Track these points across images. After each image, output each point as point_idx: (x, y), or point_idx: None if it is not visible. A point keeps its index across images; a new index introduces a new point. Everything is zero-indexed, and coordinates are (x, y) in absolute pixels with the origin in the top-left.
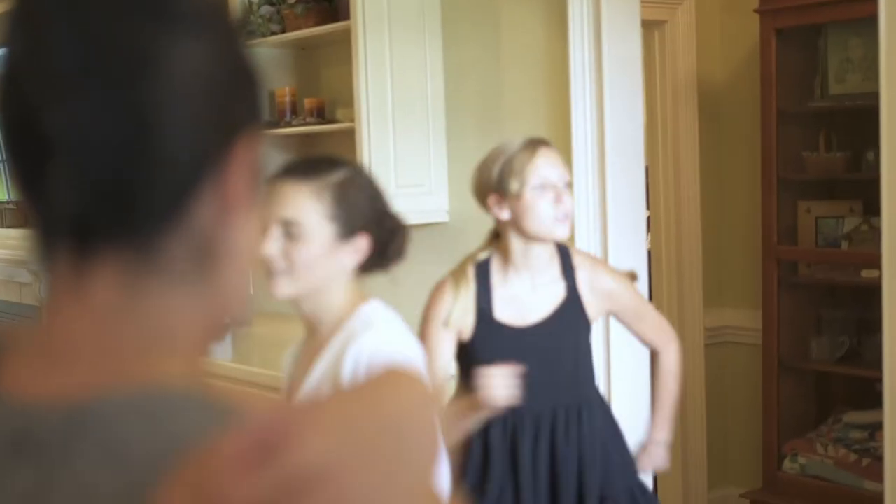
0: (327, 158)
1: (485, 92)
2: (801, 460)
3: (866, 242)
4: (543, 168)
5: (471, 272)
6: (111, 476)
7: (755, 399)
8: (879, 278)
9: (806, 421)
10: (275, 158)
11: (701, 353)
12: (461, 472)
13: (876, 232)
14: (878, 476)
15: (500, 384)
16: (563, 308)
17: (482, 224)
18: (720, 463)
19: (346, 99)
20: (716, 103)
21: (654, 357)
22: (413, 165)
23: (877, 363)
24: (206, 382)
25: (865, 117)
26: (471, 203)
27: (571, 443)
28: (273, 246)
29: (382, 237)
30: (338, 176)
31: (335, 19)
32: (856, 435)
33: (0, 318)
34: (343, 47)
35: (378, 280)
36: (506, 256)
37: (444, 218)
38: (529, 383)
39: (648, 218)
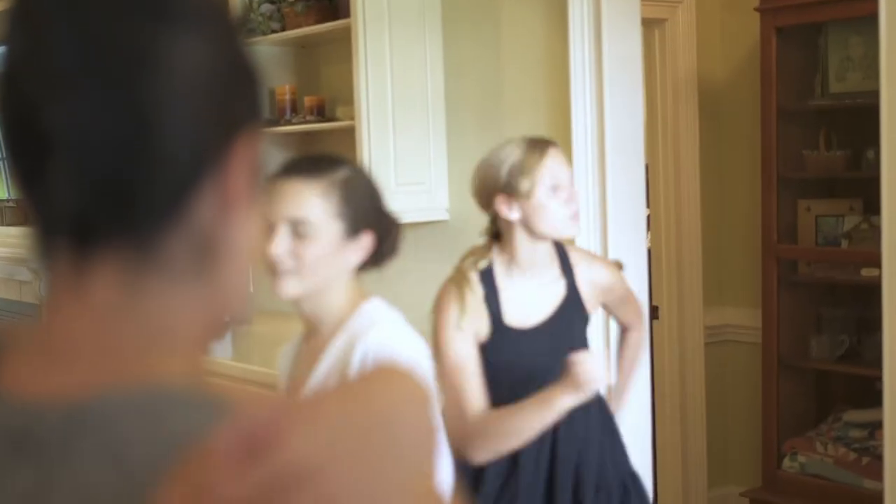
0: (327, 156)
1: (485, 90)
2: (801, 459)
3: (866, 241)
4: (555, 168)
5: (475, 278)
6: (111, 475)
7: (755, 398)
8: (879, 277)
9: (806, 419)
10: (275, 157)
11: (701, 351)
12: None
13: (876, 230)
14: (877, 475)
15: (593, 367)
16: (565, 305)
17: (482, 222)
18: (720, 461)
19: (347, 97)
20: (716, 102)
21: (624, 332)
22: (413, 164)
23: (877, 362)
24: (206, 381)
25: (865, 116)
26: (471, 201)
27: (572, 439)
28: (281, 245)
29: (383, 234)
30: (342, 174)
31: (335, 17)
32: (855, 434)
33: (0, 317)
34: (343, 45)
35: (378, 279)
36: (511, 257)
37: (444, 216)
38: (539, 382)
39: (648, 216)
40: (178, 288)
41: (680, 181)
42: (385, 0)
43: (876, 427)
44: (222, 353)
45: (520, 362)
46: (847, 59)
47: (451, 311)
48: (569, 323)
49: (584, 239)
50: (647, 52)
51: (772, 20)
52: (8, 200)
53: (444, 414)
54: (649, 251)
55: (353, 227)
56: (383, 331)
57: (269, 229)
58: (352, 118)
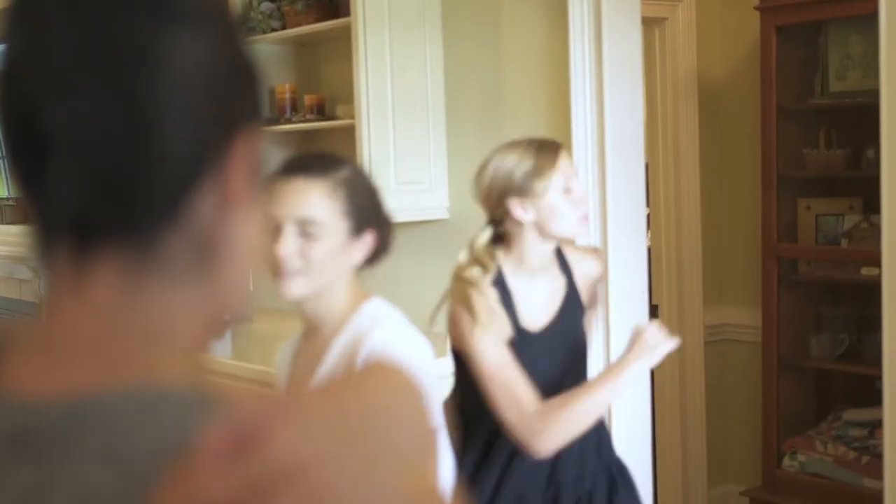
0: (327, 155)
1: (485, 89)
2: (801, 458)
3: (866, 240)
4: (566, 169)
5: (488, 283)
6: (111, 474)
7: (755, 397)
8: (879, 276)
9: (805, 418)
10: (275, 155)
11: (701, 350)
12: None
13: (876, 229)
14: (877, 474)
15: (659, 332)
16: (567, 302)
17: (482, 221)
18: (720, 460)
19: (347, 96)
20: (716, 100)
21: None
22: (413, 162)
23: (876, 361)
24: (206, 379)
25: (865, 114)
26: (471, 201)
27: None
28: (289, 246)
29: (383, 232)
30: (346, 172)
31: (335, 16)
32: (855, 433)
33: (0, 315)
34: (343, 44)
35: (378, 278)
36: (520, 259)
37: (444, 215)
38: (556, 382)
39: (648, 215)
40: (178, 286)
41: (680, 180)
42: None
43: (876, 426)
44: (222, 352)
45: (538, 364)
46: (847, 57)
47: (476, 318)
48: (572, 319)
49: (584, 238)
50: (647, 51)
51: (772, 19)
52: (8, 199)
53: (504, 416)
54: (649, 250)
55: (358, 226)
56: (387, 331)
57: (276, 230)
58: (352, 117)
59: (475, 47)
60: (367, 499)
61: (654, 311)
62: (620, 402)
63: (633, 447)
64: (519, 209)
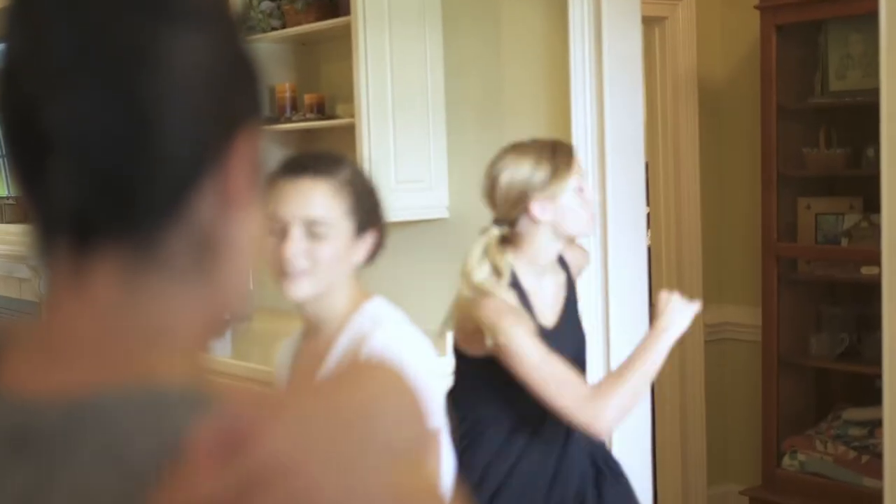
0: (328, 154)
1: (485, 88)
2: (801, 457)
3: (866, 239)
4: (579, 170)
5: (511, 296)
6: (111, 474)
7: (755, 396)
8: (879, 275)
9: (805, 418)
10: (275, 155)
11: (700, 349)
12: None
13: (876, 229)
14: (877, 473)
15: (679, 299)
16: (569, 296)
17: (482, 220)
18: (719, 460)
19: (347, 95)
20: (716, 100)
21: None
22: (413, 161)
23: (876, 360)
24: (206, 379)
25: (865, 114)
26: (471, 199)
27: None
28: (297, 246)
29: (383, 231)
30: (348, 171)
31: (335, 15)
32: (855, 432)
33: (0, 314)
34: (343, 43)
35: (378, 277)
36: (532, 259)
37: (444, 214)
38: None
39: (648, 215)
40: (178, 286)
41: (680, 179)
42: None
43: (875, 425)
44: (222, 351)
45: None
46: (847, 56)
47: (504, 318)
48: (575, 312)
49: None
50: (647, 50)
51: (772, 18)
52: (7, 198)
53: (560, 404)
54: (649, 249)
55: (361, 226)
56: (388, 331)
57: (282, 230)
58: (352, 116)
59: (475, 46)
60: (355, 497)
61: (654, 310)
62: None
63: (632, 446)
64: (538, 209)
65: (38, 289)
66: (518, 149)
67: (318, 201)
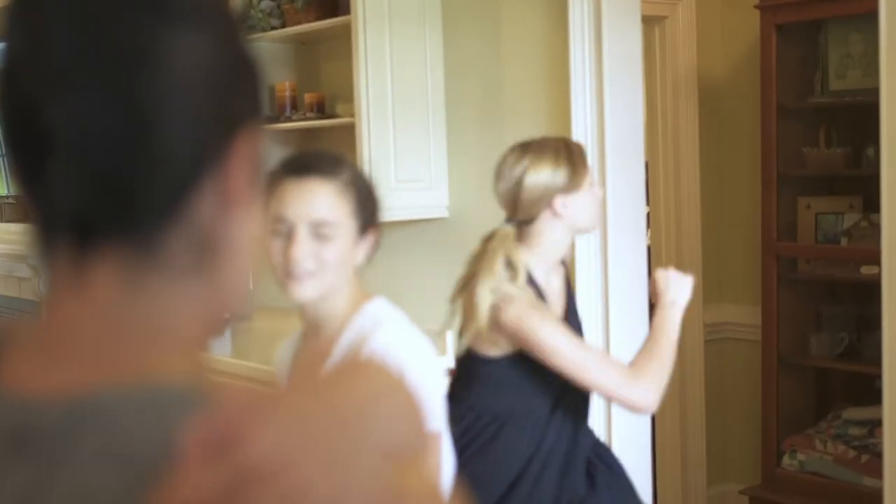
0: (328, 154)
1: (485, 87)
2: (801, 457)
3: (866, 239)
4: (589, 166)
5: (530, 294)
6: (111, 473)
7: (754, 395)
8: (879, 275)
9: (805, 417)
10: (275, 154)
11: (700, 349)
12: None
13: (875, 228)
14: (877, 472)
15: (675, 274)
16: (569, 289)
17: (482, 220)
18: (719, 459)
19: (347, 94)
20: (716, 99)
21: None
22: (413, 161)
23: (876, 359)
24: (206, 378)
25: (865, 113)
26: (471, 199)
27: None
28: (305, 248)
29: (381, 230)
30: (350, 171)
31: (335, 14)
32: (855, 431)
33: (0, 313)
34: (343, 42)
35: (378, 276)
36: (546, 255)
37: (444, 213)
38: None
39: (648, 214)
40: (178, 285)
41: (680, 179)
42: None
43: (875, 425)
44: (222, 350)
45: None
46: (847, 56)
47: (535, 314)
48: (575, 306)
49: (583, 237)
50: (647, 49)
51: (772, 17)
52: (8, 197)
53: (605, 387)
54: (649, 249)
55: (364, 226)
56: (389, 332)
57: (288, 232)
58: (352, 115)
59: (475, 46)
60: (348, 496)
61: (653, 310)
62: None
63: (632, 446)
64: (560, 206)
65: (38, 288)
66: (533, 149)
67: (324, 202)
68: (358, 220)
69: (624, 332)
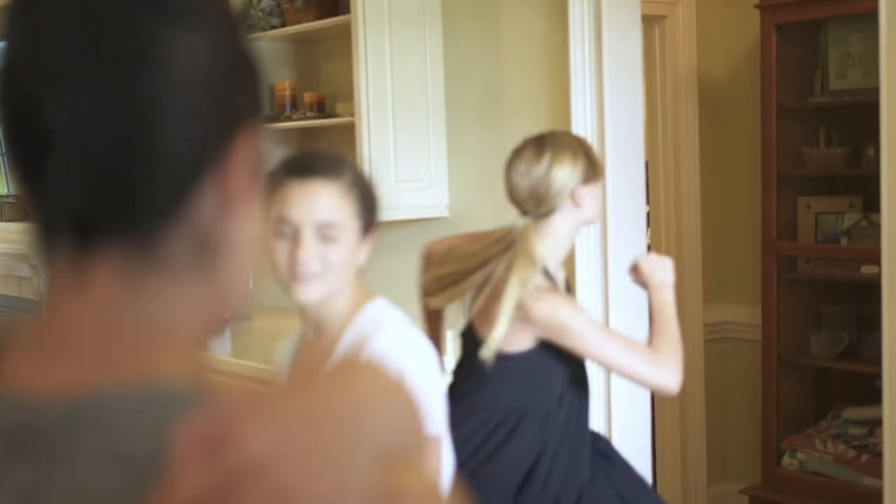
0: (329, 155)
1: (485, 87)
2: (801, 456)
3: (866, 238)
4: None
5: (541, 281)
6: (111, 472)
7: (754, 395)
8: (879, 274)
9: (805, 417)
10: (275, 153)
11: (700, 348)
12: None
13: (875, 228)
14: (877, 472)
15: (655, 259)
16: (567, 288)
17: (482, 219)
18: (719, 459)
19: (347, 93)
20: (716, 99)
21: None
22: (413, 160)
23: (876, 359)
24: (205, 377)
25: (865, 113)
26: (471, 198)
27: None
28: (311, 250)
29: (379, 230)
30: (352, 172)
31: (335, 13)
32: (855, 431)
33: (0, 313)
34: (343, 41)
35: (378, 276)
36: (560, 249)
37: (444, 213)
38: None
39: (648, 213)
40: (178, 285)
41: (680, 178)
42: None
43: (875, 424)
44: (222, 350)
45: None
46: (847, 55)
47: (564, 306)
48: (574, 298)
49: (583, 236)
50: (647, 49)
51: (772, 17)
52: (8, 196)
53: (636, 370)
54: (649, 248)
55: (366, 226)
56: (389, 333)
57: (294, 234)
58: (352, 115)
59: (475, 45)
60: (342, 496)
61: None
62: (620, 401)
63: (632, 445)
64: (582, 195)
65: (38, 287)
66: (551, 143)
67: (328, 203)
68: (361, 221)
69: (624, 331)
